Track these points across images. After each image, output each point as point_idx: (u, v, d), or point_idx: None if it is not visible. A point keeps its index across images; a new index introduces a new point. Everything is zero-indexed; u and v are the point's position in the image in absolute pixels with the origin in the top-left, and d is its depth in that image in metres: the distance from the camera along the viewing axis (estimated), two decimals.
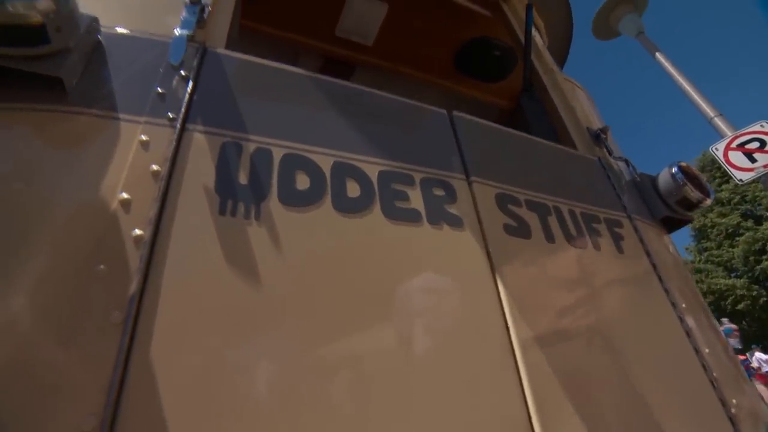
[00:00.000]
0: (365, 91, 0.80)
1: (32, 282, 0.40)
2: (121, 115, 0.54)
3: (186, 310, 0.44)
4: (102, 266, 0.42)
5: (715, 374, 0.77)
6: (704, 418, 0.71)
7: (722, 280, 17.90)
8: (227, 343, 0.44)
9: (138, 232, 0.45)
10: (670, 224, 1.11)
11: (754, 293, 16.83)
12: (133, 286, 0.42)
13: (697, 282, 20.23)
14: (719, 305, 17.97)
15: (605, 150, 1.13)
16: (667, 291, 0.88)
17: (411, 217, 0.65)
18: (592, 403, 0.63)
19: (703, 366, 0.78)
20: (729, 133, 4.69)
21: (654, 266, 0.91)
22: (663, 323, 0.82)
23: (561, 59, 1.98)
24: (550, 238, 0.79)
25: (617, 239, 0.91)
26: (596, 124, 1.25)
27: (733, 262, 18.60)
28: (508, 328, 0.62)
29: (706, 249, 19.38)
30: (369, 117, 0.76)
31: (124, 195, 0.47)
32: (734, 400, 0.75)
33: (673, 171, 1.07)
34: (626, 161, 1.12)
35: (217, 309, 0.46)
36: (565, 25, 1.86)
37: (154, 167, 0.51)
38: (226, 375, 0.42)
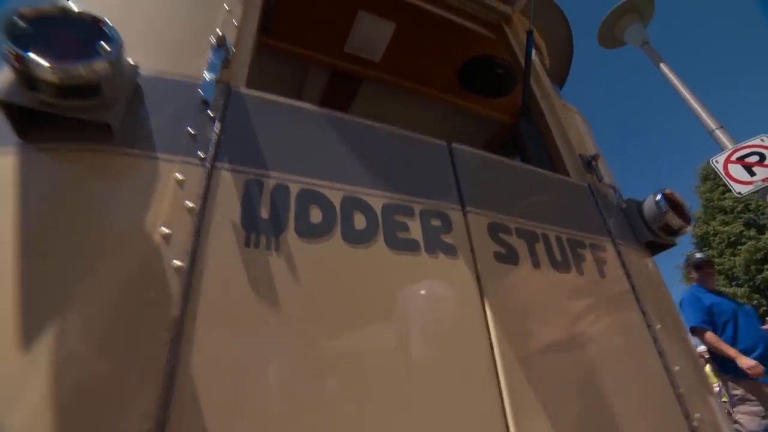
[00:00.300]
0: (372, 126, 0.88)
1: (95, 307, 0.48)
2: (158, 155, 0.62)
3: (219, 330, 0.52)
4: (151, 293, 0.50)
5: (681, 390, 0.85)
6: (668, 429, 0.79)
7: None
8: (255, 355, 0.53)
9: (178, 263, 0.54)
10: (654, 247, 1.19)
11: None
12: (176, 310, 0.51)
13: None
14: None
15: (596, 176, 1.20)
16: (644, 312, 0.96)
17: (410, 246, 0.73)
18: (564, 413, 0.71)
19: (672, 383, 0.86)
20: (729, 146, 4.73)
21: (633, 288, 0.99)
22: (637, 343, 0.90)
23: (561, 78, 2.05)
24: (536, 264, 0.87)
25: (600, 263, 0.98)
26: (590, 149, 1.32)
27: (734, 270, 18.59)
28: (492, 346, 0.71)
29: (714, 254, 19.38)
30: (375, 150, 0.84)
31: (165, 230, 0.56)
32: (697, 414, 0.83)
33: (657, 198, 1.14)
34: (614, 188, 1.20)
35: (244, 327, 0.54)
36: (565, 46, 1.93)
37: (189, 204, 0.59)
38: (254, 382, 0.51)
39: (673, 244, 1.18)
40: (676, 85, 5.41)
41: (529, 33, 1.46)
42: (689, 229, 1.14)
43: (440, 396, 0.62)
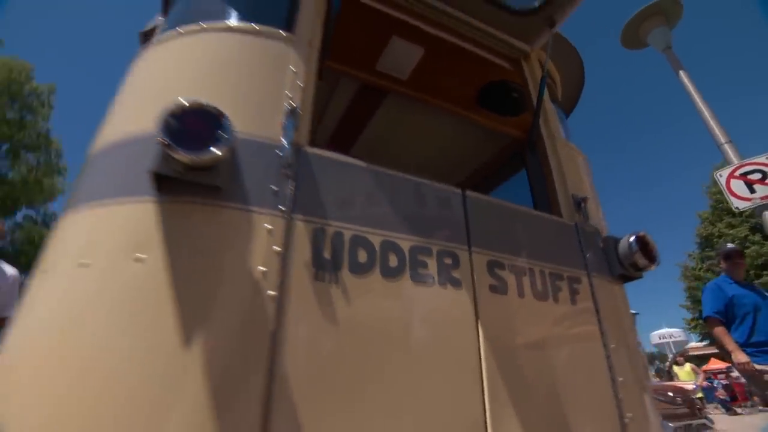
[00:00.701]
0: (405, 178, 1.12)
1: (220, 323, 0.75)
2: (251, 208, 0.87)
3: (299, 339, 0.79)
4: (255, 314, 0.77)
5: (621, 396, 1.13)
6: (604, 424, 1.07)
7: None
8: (323, 349, 0.80)
9: (272, 293, 0.80)
10: (625, 278, 1.44)
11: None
12: (272, 325, 0.77)
13: (695, 289, 20.56)
14: None
15: (583, 216, 1.44)
16: (603, 333, 1.22)
17: (427, 280, 0.99)
18: (529, 405, 0.99)
19: (614, 390, 1.13)
20: (736, 161, 4.87)
21: (597, 314, 1.25)
22: (593, 358, 1.17)
23: (571, 105, 2.23)
24: (521, 294, 1.12)
25: (573, 293, 1.24)
26: (584, 189, 1.55)
27: None
28: (480, 354, 0.97)
29: (709, 257, 19.54)
30: (406, 198, 1.08)
31: (262, 268, 0.81)
32: (630, 414, 1.11)
33: (631, 240, 1.38)
34: (596, 228, 1.43)
35: (316, 336, 0.81)
36: (577, 79, 2.11)
37: (277, 249, 0.84)
38: (325, 364, 0.79)
39: (640, 277, 1.43)
40: (692, 94, 5.48)
41: (542, 78, 1.65)
42: (653, 267, 1.38)
43: (444, 384, 0.90)
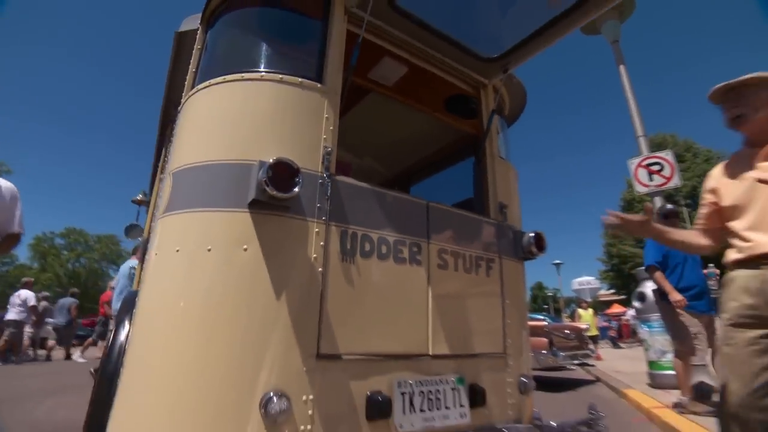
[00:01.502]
0: (392, 195, 1.75)
1: (297, 288, 1.38)
2: (307, 219, 1.46)
3: (335, 294, 1.45)
4: (313, 282, 1.40)
5: (506, 330, 1.94)
6: (495, 344, 1.88)
7: (629, 248, 21.00)
8: (349, 299, 1.47)
9: (320, 269, 1.43)
10: (525, 259, 2.21)
11: None
12: (320, 287, 1.42)
13: (611, 245, 23.52)
14: (620, 267, 21.34)
15: (503, 217, 2.16)
16: (503, 294, 2.00)
17: (403, 261, 1.66)
18: (452, 333, 1.74)
19: (503, 325, 1.94)
20: (645, 153, 5.87)
21: (501, 282, 2.02)
22: (495, 307, 1.96)
23: (513, 119, 2.88)
24: (456, 268, 1.84)
25: (488, 269, 1.99)
26: (509, 197, 2.25)
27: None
28: (428, 303, 1.70)
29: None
30: (393, 208, 1.72)
31: (314, 255, 1.43)
32: (510, 341, 1.93)
33: (530, 235, 2.14)
34: (511, 227, 2.17)
35: (343, 291, 1.47)
36: (521, 102, 2.74)
37: (321, 243, 1.46)
38: (352, 309, 1.46)
39: (533, 258, 2.21)
40: (625, 88, 6.30)
41: (492, 111, 2.27)
42: (542, 254, 2.16)
43: (409, 314, 1.63)
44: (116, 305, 6.18)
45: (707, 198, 1.84)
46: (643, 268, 4.24)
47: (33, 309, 8.53)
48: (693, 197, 21.31)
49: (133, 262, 6.67)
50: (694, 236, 1.89)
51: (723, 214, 1.76)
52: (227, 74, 1.63)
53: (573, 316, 15.95)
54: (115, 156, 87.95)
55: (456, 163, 3.11)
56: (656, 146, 22.72)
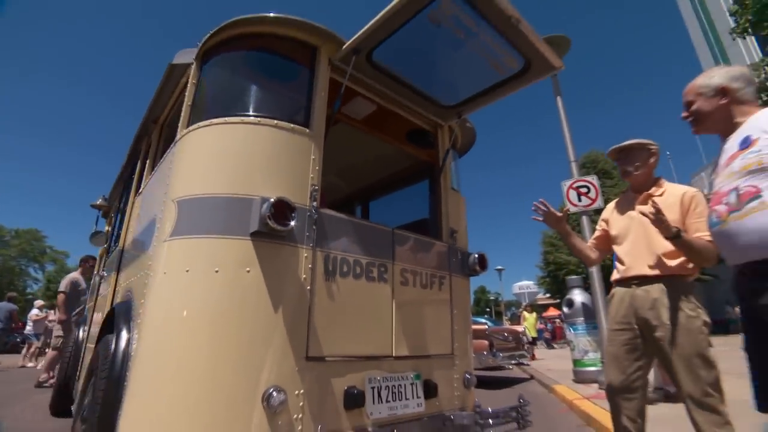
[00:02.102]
0: (365, 224, 2.10)
1: (290, 304, 1.68)
2: (298, 245, 1.77)
3: (321, 303, 1.77)
4: (302, 297, 1.71)
5: (454, 335, 2.35)
6: (445, 347, 2.28)
7: (564, 256, 22.81)
8: (331, 308, 1.79)
9: (308, 287, 1.74)
10: (469, 276, 2.65)
11: (581, 269, 22.01)
12: (309, 300, 1.73)
13: (548, 253, 25.36)
14: (556, 274, 23.15)
15: (453, 240, 2.58)
16: (451, 304, 2.41)
17: (373, 279, 2.02)
18: (411, 336, 2.12)
19: (451, 332, 2.35)
20: (575, 176, 6.63)
21: (451, 295, 2.43)
22: (445, 316, 2.36)
23: (464, 152, 3.34)
24: (414, 284, 2.23)
25: (441, 284, 2.39)
26: (457, 223, 2.68)
27: None
28: (392, 312, 2.06)
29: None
30: (366, 234, 2.07)
31: (304, 275, 1.75)
32: (456, 344, 2.34)
33: (475, 256, 2.57)
34: (459, 249, 2.60)
35: (327, 302, 1.79)
36: (471, 139, 3.20)
37: (309, 266, 1.78)
38: (335, 314, 1.78)
39: (477, 275, 2.65)
40: (561, 118, 7.04)
41: (447, 150, 2.70)
42: (485, 272, 2.61)
43: (378, 320, 1.99)
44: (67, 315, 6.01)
45: (601, 225, 2.40)
46: None
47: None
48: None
49: (75, 275, 6.47)
50: (587, 248, 2.43)
51: (610, 240, 2.31)
52: (226, 116, 1.90)
53: (518, 319, 17.08)
54: (34, 147, 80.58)
55: (411, 185, 3.53)
56: (591, 162, 24.97)
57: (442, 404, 2.20)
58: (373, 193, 4.09)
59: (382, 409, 1.88)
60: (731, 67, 1.74)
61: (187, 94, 2.13)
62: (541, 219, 2.40)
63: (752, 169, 1.44)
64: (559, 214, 2.35)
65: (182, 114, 2.08)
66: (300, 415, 1.60)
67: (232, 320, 1.59)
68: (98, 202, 4.57)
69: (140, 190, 2.82)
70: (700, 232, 1.94)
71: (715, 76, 1.71)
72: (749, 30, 8.19)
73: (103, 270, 3.58)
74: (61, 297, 6.13)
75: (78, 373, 3.86)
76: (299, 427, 1.59)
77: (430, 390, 2.13)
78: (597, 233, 2.42)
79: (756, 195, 1.41)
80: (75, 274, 6.47)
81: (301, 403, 1.62)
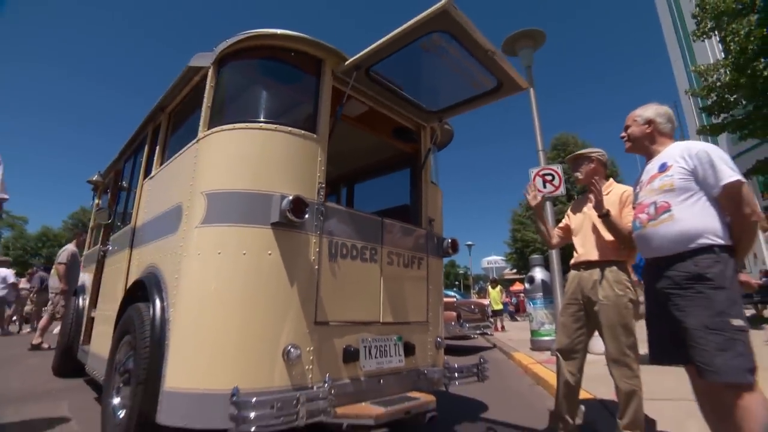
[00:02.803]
0: (360, 214, 2.52)
1: (303, 281, 2.10)
2: (308, 233, 2.18)
3: (326, 276, 2.20)
4: (312, 275, 2.13)
5: (428, 306, 2.85)
6: (420, 315, 2.79)
7: (531, 235, 24.01)
8: (334, 279, 2.23)
9: (316, 267, 2.17)
10: (443, 257, 3.13)
11: (545, 249, 23.27)
12: (316, 276, 2.16)
13: (516, 230, 26.58)
14: (523, 251, 24.39)
15: (431, 227, 3.04)
16: (428, 280, 2.90)
17: (366, 260, 2.46)
18: (395, 306, 2.60)
19: (427, 301, 2.85)
20: (542, 164, 7.19)
21: (428, 272, 2.91)
22: (422, 290, 2.86)
23: (442, 146, 3.76)
24: (398, 264, 2.69)
25: (419, 264, 2.87)
26: (435, 212, 3.14)
27: None
28: (380, 286, 2.53)
29: (530, 208, 25.26)
30: (361, 223, 2.49)
31: (313, 257, 2.16)
32: (431, 314, 2.85)
33: (448, 240, 3.06)
34: (435, 235, 3.06)
35: (331, 276, 2.22)
36: (449, 137, 3.62)
37: (317, 249, 2.19)
38: (336, 286, 2.22)
39: (449, 257, 3.14)
40: (533, 109, 7.54)
41: (429, 149, 3.11)
42: (456, 253, 3.10)
43: (369, 292, 2.45)
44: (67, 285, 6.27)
45: (565, 219, 2.91)
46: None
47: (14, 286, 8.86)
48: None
49: (73, 248, 6.64)
50: (553, 233, 2.97)
51: (570, 231, 2.84)
52: (246, 121, 2.25)
53: (485, 293, 18.09)
54: None
55: (393, 172, 3.96)
56: (561, 144, 25.89)
57: (417, 361, 2.71)
58: (358, 177, 4.49)
59: (372, 363, 2.37)
60: (660, 106, 2.23)
61: (206, 96, 2.43)
62: (530, 196, 2.96)
63: (666, 189, 1.96)
64: (540, 198, 2.93)
65: (202, 114, 2.39)
66: (310, 366, 2.06)
67: (258, 292, 2.01)
68: (94, 178, 4.74)
69: (151, 175, 3.11)
70: (629, 222, 2.47)
71: (648, 110, 2.21)
72: (708, 34, 8.83)
73: (108, 244, 3.85)
74: (62, 268, 6.31)
75: (81, 337, 4.19)
76: (310, 376, 2.05)
77: (408, 349, 2.63)
78: (561, 224, 2.95)
79: (667, 209, 1.93)
80: (72, 247, 6.62)
81: (311, 357, 2.07)
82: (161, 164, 3.03)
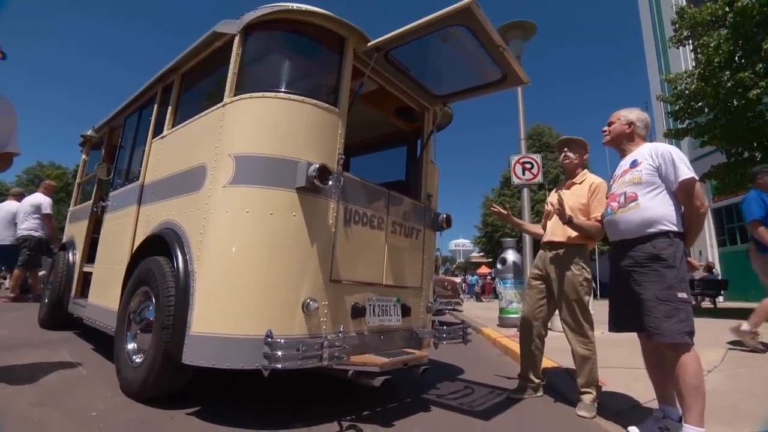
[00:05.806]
0: (371, 185, 2.75)
1: (322, 240, 2.32)
2: (328, 199, 2.39)
3: (341, 239, 2.43)
4: (330, 234, 2.36)
5: (422, 274, 3.15)
6: (416, 281, 3.08)
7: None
8: (347, 241, 2.47)
9: (333, 229, 2.39)
10: (438, 230, 3.42)
11: (514, 233, 24.26)
12: (333, 237, 2.38)
13: (488, 215, 27.48)
14: (492, 235, 25.39)
15: (428, 202, 3.31)
16: (423, 250, 3.19)
17: (374, 227, 2.71)
18: (396, 270, 2.88)
19: (422, 268, 3.15)
20: (523, 153, 7.57)
21: (423, 242, 3.20)
22: (419, 255, 3.15)
23: (442, 127, 4.00)
24: (400, 234, 2.95)
25: (417, 234, 3.14)
26: (433, 189, 3.40)
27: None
28: (385, 252, 2.79)
29: (503, 194, 26.16)
30: (370, 194, 2.72)
31: (331, 221, 2.38)
32: (424, 280, 3.15)
33: (442, 215, 3.34)
34: (433, 209, 3.34)
35: (345, 237, 2.46)
36: (449, 119, 3.86)
37: (335, 214, 2.41)
38: (349, 247, 2.46)
39: (442, 231, 3.43)
40: (518, 98, 7.85)
41: (431, 132, 3.35)
42: (449, 228, 3.39)
43: (376, 254, 2.71)
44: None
45: (546, 206, 3.25)
46: (746, 223, 4.23)
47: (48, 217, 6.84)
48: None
49: (41, 198, 6.56)
50: (536, 228, 3.31)
51: (549, 217, 3.18)
52: (275, 90, 2.41)
53: (452, 273, 18.78)
54: None
55: (389, 149, 4.18)
56: (538, 134, 26.65)
57: (412, 322, 3.02)
58: (357, 150, 4.68)
59: (375, 320, 2.65)
60: (642, 112, 2.55)
61: (232, 62, 2.55)
62: (497, 218, 3.27)
63: (635, 182, 2.29)
64: (505, 212, 3.19)
65: (228, 80, 2.51)
66: (324, 319, 2.31)
67: (282, 249, 2.22)
68: (88, 134, 4.68)
69: (162, 135, 3.19)
70: (595, 213, 2.82)
71: (632, 113, 2.52)
72: (683, 42, 9.38)
73: (107, 200, 3.88)
74: (50, 217, 6.48)
75: (73, 291, 4.24)
76: (324, 327, 2.30)
77: (405, 311, 2.92)
78: (545, 212, 3.26)
79: (635, 199, 2.27)
80: (47, 198, 6.51)
81: (326, 311, 2.32)
82: (173, 125, 3.11)
